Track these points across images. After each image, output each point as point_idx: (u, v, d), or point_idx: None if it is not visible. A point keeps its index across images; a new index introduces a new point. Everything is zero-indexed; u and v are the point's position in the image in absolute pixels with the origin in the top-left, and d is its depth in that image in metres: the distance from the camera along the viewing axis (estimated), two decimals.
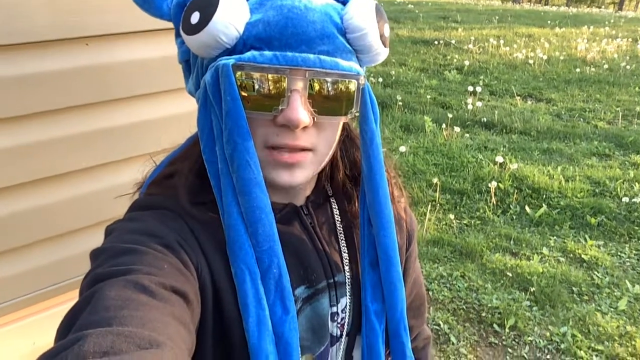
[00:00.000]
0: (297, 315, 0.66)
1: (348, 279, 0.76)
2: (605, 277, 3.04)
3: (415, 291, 0.91)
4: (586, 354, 2.42)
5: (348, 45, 0.63)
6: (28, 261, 1.19)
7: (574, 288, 2.93)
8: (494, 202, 3.86)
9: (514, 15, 13.27)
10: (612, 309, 2.77)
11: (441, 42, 9.42)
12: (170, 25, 0.66)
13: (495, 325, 2.62)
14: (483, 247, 3.30)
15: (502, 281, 2.97)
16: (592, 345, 2.49)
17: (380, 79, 7.19)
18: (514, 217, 3.73)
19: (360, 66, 0.67)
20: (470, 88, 6.26)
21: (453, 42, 9.45)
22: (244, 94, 0.59)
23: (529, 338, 2.54)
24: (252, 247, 0.62)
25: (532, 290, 2.86)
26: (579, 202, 3.85)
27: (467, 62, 7.96)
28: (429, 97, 6.42)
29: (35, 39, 1.03)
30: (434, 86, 7.01)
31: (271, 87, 0.60)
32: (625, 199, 3.82)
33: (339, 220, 0.79)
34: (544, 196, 3.95)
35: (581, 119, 5.87)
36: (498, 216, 3.73)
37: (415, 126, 5.45)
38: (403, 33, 10.41)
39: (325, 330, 0.75)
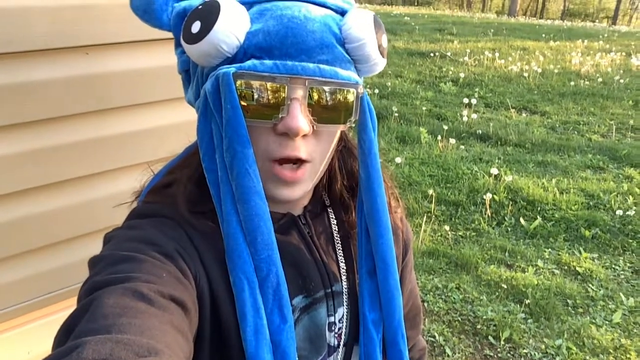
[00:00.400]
0: (294, 324, 0.66)
1: (345, 288, 0.77)
2: (600, 290, 3.05)
3: (411, 302, 0.92)
4: None
5: (347, 55, 0.64)
6: (24, 269, 1.18)
7: (568, 300, 2.94)
8: (489, 214, 3.87)
9: (509, 29, 13.39)
10: (606, 322, 2.77)
11: (437, 54, 9.49)
12: (170, 35, 0.67)
13: (490, 338, 2.62)
14: (478, 258, 3.30)
15: (497, 293, 2.97)
16: (587, 358, 2.48)
17: (377, 90, 7.23)
18: (509, 229, 3.74)
19: (359, 76, 0.67)
20: (466, 100, 6.29)
21: (449, 54, 9.52)
22: (244, 102, 0.60)
23: (524, 350, 2.54)
24: (251, 255, 0.62)
25: (527, 302, 2.86)
26: (573, 214, 3.87)
27: (462, 75, 8.01)
28: (424, 108, 6.45)
29: (35, 48, 1.04)
30: (430, 98, 7.04)
31: (271, 96, 0.60)
32: (619, 212, 3.84)
33: (337, 230, 0.79)
34: (539, 208, 3.97)
35: (575, 132, 5.91)
36: (493, 228, 3.74)
37: (411, 137, 5.47)
38: (399, 45, 10.48)
39: (322, 340, 0.75)
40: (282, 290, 0.63)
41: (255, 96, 0.60)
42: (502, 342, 2.58)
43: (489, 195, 3.87)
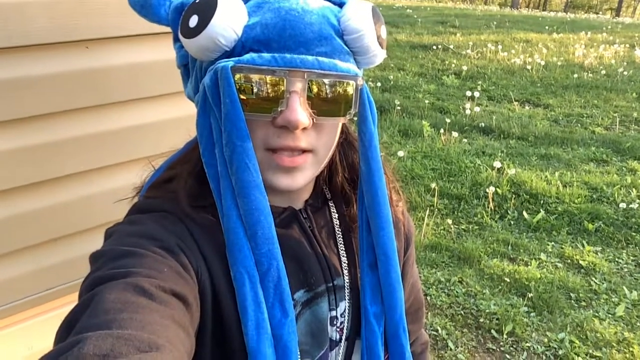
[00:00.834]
0: (296, 319, 0.66)
1: (347, 282, 0.76)
2: (603, 283, 3.04)
3: (413, 296, 0.92)
4: None
5: (345, 47, 0.64)
6: (25, 265, 1.18)
7: (571, 294, 2.94)
8: (492, 208, 3.86)
9: (512, 21, 13.32)
10: (609, 315, 2.77)
11: (439, 47, 9.45)
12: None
13: (493, 331, 2.62)
14: (481, 252, 3.30)
15: (500, 287, 2.97)
16: (590, 351, 2.48)
17: (379, 84, 7.21)
18: (512, 222, 3.74)
19: (358, 68, 0.67)
20: (469, 93, 6.28)
21: (451, 47, 9.48)
22: (242, 96, 0.60)
23: (527, 344, 2.54)
24: (251, 249, 0.62)
25: (529, 296, 2.86)
26: (576, 207, 3.86)
27: (465, 67, 7.98)
28: (427, 101, 6.43)
29: (35, 42, 1.03)
30: (432, 91, 7.02)
31: (270, 89, 0.60)
32: (623, 205, 3.83)
33: (338, 224, 0.79)
34: (542, 202, 3.96)
35: (579, 125, 5.89)
36: (496, 221, 3.74)
37: (413, 131, 5.46)
38: (401, 38, 10.44)
39: (324, 335, 0.75)
40: (283, 285, 0.63)
41: (254, 90, 0.60)
42: (505, 336, 2.58)
43: (491, 189, 3.87)
